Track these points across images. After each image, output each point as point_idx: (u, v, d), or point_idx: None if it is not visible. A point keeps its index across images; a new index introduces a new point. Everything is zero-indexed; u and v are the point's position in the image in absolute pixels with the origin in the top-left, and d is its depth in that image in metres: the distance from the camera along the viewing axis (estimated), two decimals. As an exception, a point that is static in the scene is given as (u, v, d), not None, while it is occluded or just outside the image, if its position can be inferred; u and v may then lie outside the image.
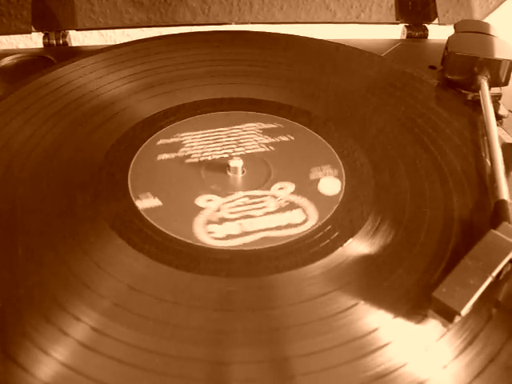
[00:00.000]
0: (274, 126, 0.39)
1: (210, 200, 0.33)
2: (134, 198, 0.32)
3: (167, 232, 0.31)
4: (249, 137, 0.37)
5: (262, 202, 0.33)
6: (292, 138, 0.38)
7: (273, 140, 0.37)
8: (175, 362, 0.25)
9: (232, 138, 0.37)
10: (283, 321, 0.26)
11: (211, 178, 0.34)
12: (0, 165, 0.34)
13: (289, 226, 0.31)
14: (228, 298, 0.27)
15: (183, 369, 0.24)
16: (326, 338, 0.26)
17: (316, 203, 0.33)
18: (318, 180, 0.34)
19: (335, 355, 0.25)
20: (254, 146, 0.37)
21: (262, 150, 0.37)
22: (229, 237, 0.31)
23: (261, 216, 0.32)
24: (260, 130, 0.38)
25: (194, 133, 0.37)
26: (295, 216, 0.32)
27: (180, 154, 0.36)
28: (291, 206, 0.33)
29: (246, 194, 0.33)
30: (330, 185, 0.34)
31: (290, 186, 0.34)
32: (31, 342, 0.25)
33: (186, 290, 0.28)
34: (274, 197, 0.33)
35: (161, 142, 0.36)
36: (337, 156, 0.36)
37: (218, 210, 0.32)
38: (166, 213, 0.32)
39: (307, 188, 0.34)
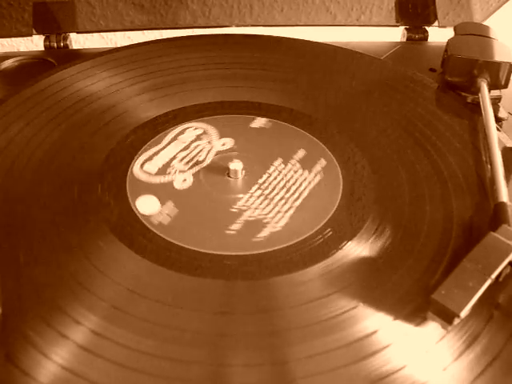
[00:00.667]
0: (266, 127, 0.39)
1: (216, 205, 0.33)
2: (135, 204, 0.32)
3: (168, 239, 0.31)
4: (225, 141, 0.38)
5: (270, 203, 0.33)
6: (290, 139, 0.38)
7: (268, 141, 0.38)
8: (175, 365, 0.25)
9: (227, 143, 0.37)
10: (283, 323, 0.26)
11: (216, 185, 0.34)
12: (0, 167, 0.34)
13: (293, 227, 0.32)
14: (228, 301, 0.28)
15: (183, 372, 0.25)
16: (325, 341, 0.26)
17: (316, 203, 0.33)
18: (316, 181, 0.35)
19: (335, 358, 0.25)
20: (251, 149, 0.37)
21: (258, 150, 0.37)
22: (235, 240, 0.31)
23: (271, 218, 0.32)
24: (254, 130, 0.38)
25: (192, 136, 0.37)
26: (299, 216, 0.32)
27: (177, 161, 0.36)
28: (289, 209, 0.33)
29: (254, 196, 0.34)
30: (329, 186, 0.34)
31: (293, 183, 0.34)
32: (32, 345, 0.25)
33: (185, 293, 0.28)
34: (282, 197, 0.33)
35: (155, 150, 0.36)
36: (335, 159, 0.36)
37: (224, 213, 0.32)
38: (175, 221, 0.32)
39: (306, 189, 0.34)
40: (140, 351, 0.25)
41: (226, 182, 0.34)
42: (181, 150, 0.37)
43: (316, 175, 0.34)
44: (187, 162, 0.36)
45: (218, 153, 0.37)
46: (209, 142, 0.37)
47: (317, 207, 0.33)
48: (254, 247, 0.30)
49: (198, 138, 0.38)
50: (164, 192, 0.34)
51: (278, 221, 0.32)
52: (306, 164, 0.35)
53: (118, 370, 0.24)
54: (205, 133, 0.38)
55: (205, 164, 0.36)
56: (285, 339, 0.26)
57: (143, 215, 0.32)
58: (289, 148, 0.37)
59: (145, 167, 0.35)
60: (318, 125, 0.39)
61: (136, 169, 0.35)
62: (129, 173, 0.35)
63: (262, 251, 0.30)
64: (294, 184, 0.34)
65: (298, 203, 0.33)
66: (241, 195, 0.34)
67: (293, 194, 0.33)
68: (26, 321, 0.26)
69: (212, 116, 0.39)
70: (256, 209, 0.33)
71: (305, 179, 0.34)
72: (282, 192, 0.34)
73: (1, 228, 0.31)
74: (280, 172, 0.35)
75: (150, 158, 0.36)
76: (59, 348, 0.25)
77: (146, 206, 0.33)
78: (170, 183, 0.34)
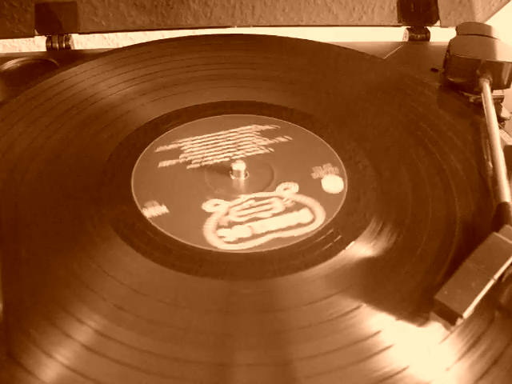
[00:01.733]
0: (270, 127, 0.39)
1: (217, 204, 0.33)
2: (138, 204, 0.32)
3: (173, 237, 0.31)
4: (247, 139, 0.38)
5: (268, 203, 0.33)
6: (290, 139, 0.38)
7: (271, 142, 0.37)
8: (179, 364, 0.25)
9: (231, 142, 0.37)
10: (286, 323, 0.26)
11: (215, 182, 0.34)
12: (4, 168, 0.34)
13: (299, 225, 0.32)
14: (231, 301, 0.28)
15: (187, 372, 0.25)
16: (328, 341, 0.26)
17: (321, 202, 0.33)
18: (320, 179, 0.35)
19: (338, 358, 0.25)
20: (253, 149, 0.37)
21: (262, 151, 0.37)
22: (240, 240, 0.31)
23: (269, 217, 0.32)
24: (257, 131, 0.38)
25: (193, 138, 0.37)
26: (303, 215, 0.32)
27: (181, 160, 0.36)
28: (298, 206, 0.33)
29: (251, 196, 0.33)
30: (333, 183, 0.34)
31: (294, 186, 0.34)
32: (35, 345, 0.25)
33: (189, 293, 0.28)
34: (280, 198, 0.33)
35: (160, 148, 0.36)
36: (339, 159, 0.36)
37: (227, 214, 0.32)
38: (173, 218, 0.32)
39: (311, 187, 0.34)
40: (143, 350, 0.25)
41: (227, 181, 0.34)
42: (200, 142, 0.37)
43: (315, 195, 0.34)
44: (201, 152, 0.36)
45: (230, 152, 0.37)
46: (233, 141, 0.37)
47: (322, 203, 0.33)
48: (266, 246, 0.30)
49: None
50: (165, 179, 0.34)
51: (287, 218, 0.32)
52: (312, 182, 0.35)
53: (121, 369, 0.24)
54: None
55: (216, 160, 0.36)
56: (288, 339, 0.26)
57: (150, 218, 0.32)
58: (305, 162, 0.36)
59: (158, 149, 0.36)
60: (320, 124, 0.39)
61: (150, 152, 0.36)
62: (133, 173, 0.35)
63: (265, 251, 0.30)
64: (292, 194, 0.34)
65: (303, 200, 0.33)
66: (235, 195, 0.33)
67: (286, 202, 0.33)
68: (29, 320, 0.26)
69: (212, 116, 0.40)
70: (265, 207, 0.33)
71: (304, 191, 0.34)
72: (277, 199, 0.33)
73: (5, 227, 0.31)
74: (282, 182, 0.35)
75: (167, 144, 0.37)
76: (62, 347, 0.25)
77: (146, 190, 0.34)
78: (175, 168, 0.35)
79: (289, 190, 0.34)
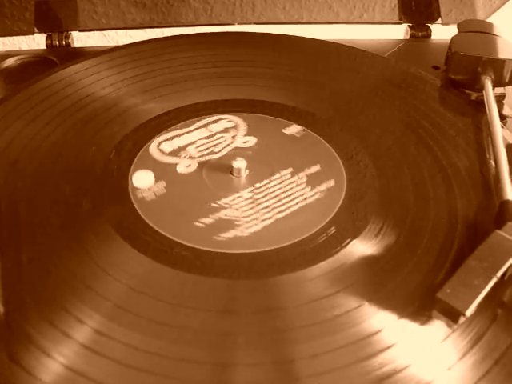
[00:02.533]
0: (298, 135, 0.39)
1: (220, 202, 0.33)
2: (137, 202, 0.32)
3: (169, 236, 0.30)
4: (246, 137, 0.37)
5: (269, 201, 0.33)
6: (289, 135, 0.38)
7: (268, 140, 0.37)
8: (179, 364, 0.25)
9: (229, 140, 0.37)
10: (287, 322, 0.26)
11: (215, 180, 0.34)
12: (3, 167, 0.34)
13: (302, 222, 0.32)
14: (231, 300, 0.27)
15: (187, 371, 0.24)
16: (330, 340, 0.26)
17: (320, 201, 0.33)
18: (321, 179, 0.35)
19: (339, 357, 0.25)
20: (250, 146, 0.37)
21: (259, 148, 0.37)
22: (243, 238, 0.31)
23: (272, 215, 0.32)
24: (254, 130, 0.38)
25: (192, 136, 0.37)
26: (305, 212, 0.32)
27: (181, 158, 0.36)
28: (299, 203, 0.33)
29: (252, 194, 0.33)
30: (331, 180, 0.34)
31: (294, 183, 0.34)
32: (34, 345, 0.25)
33: (189, 292, 0.28)
34: (282, 195, 0.33)
35: (160, 146, 0.36)
36: (339, 157, 0.36)
37: (229, 212, 0.32)
38: (174, 217, 0.32)
39: (311, 184, 0.34)
40: (143, 350, 0.25)
41: (226, 178, 0.34)
42: (202, 138, 0.37)
43: (316, 193, 0.34)
44: (201, 150, 0.36)
45: (235, 149, 0.37)
46: (233, 137, 0.37)
47: (322, 202, 0.33)
48: (258, 245, 0.30)
49: (226, 130, 0.38)
50: (164, 172, 0.34)
51: (248, 227, 0.31)
52: (314, 181, 0.35)
53: (121, 369, 0.24)
54: (235, 127, 0.38)
55: (216, 156, 0.36)
56: (289, 338, 0.26)
57: (134, 187, 0.32)
58: (306, 160, 0.36)
59: (162, 145, 0.36)
60: (321, 122, 0.39)
61: (153, 145, 0.36)
62: (132, 171, 0.35)
63: (266, 250, 0.30)
64: (288, 196, 0.33)
65: (281, 215, 0.32)
66: (230, 193, 0.33)
67: (282, 205, 0.33)
68: (29, 320, 0.26)
69: (212, 115, 0.39)
70: (236, 210, 0.32)
71: (303, 194, 0.34)
72: (272, 201, 0.33)
73: (4, 227, 0.31)
74: (282, 181, 0.34)
75: (170, 139, 0.37)
76: (62, 347, 0.25)
77: (141, 179, 0.34)
78: (174, 166, 0.35)
79: (290, 187, 0.34)
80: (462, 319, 0.25)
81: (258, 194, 0.33)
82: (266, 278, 0.28)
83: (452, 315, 0.25)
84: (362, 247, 0.30)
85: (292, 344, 0.25)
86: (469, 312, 0.25)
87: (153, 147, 0.36)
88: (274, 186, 0.34)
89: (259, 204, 0.33)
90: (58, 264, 0.29)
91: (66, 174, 0.34)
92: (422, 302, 0.27)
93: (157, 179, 0.34)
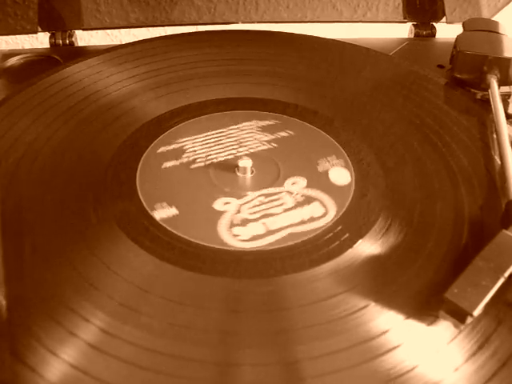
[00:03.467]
0: (271, 122, 0.38)
1: (228, 203, 0.32)
2: (144, 202, 0.32)
3: (180, 234, 0.30)
4: (248, 136, 0.37)
5: (278, 199, 0.33)
6: (292, 133, 0.38)
7: (273, 137, 0.37)
8: (184, 363, 0.25)
9: (233, 139, 0.37)
10: (293, 322, 0.26)
11: (222, 180, 0.34)
12: (8, 165, 0.34)
13: (312, 219, 0.31)
14: (237, 300, 0.27)
15: (192, 370, 0.24)
16: (336, 340, 0.25)
17: (331, 194, 0.33)
18: (327, 171, 0.34)
19: (346, 357, 0.25)
20: (256, 145, 0.37)
21: (265, 147, 0.36)
22: (255, 237, 0.30)
23: (281, 213, 0.32)
24: (259, 127, 0.38)
25: (195, 136, 0.37)
26: (315, 209, 0.32)
27: (184, 159, 0.35)
28: (309, 200, 0.33)
29: (260, 192, 0.33)
30: (340, 175, 0.34)
31: (302, 180, 0.34)
32: (39, 343, 0.25)
33: (194, 292, 0.27)
34: (290, 192, 0.33)
35: (163, 148, 0.36)
36: (343, 151, 0.36)
37: (238, 212, 0.32)
38: (184, 218, 0.31)
39: (319, 180, 0.34)
40: (148, 349, 0.25)
41: (233, 177, 0.34)
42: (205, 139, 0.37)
43: (320, 193, 0.34)
44: (205, 151, 0.36)
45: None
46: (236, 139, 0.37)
47: (332, 195, 0.33)
48: (281, 242, 0.30)
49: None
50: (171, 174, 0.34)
51: (299, 213, 0.32)
52: (321, 175, 0.35)
53: (126, 367, 0.24)
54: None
55: (221, 157, 0.36)
56: (294, 338, 0.26)
57: (161, 220, 0.32)
58: (311, 155, 0.36)
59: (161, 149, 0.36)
60: (325, 121, 0.39)
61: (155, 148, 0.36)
62: (138, 170, 0.34)
63: (270, 248, 0.30)
64: (299, 191, 0.33)
65: (313, 193, 0.33)
66: (241, 191, 0.33)
67: (295, 200, 0.33)
68: (33, 318, 0.26)
69: (215, 113, 0.39)
70: (275, 203, 0.32)
71: (312, 187, 0.34)
72: (285, 196, 0.33)
73: (8, 225, 0.30)
74: (291, 177, 0.34)
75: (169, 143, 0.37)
76: (66, 345, 0.25)
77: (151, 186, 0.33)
78: (180, 166, 0.35)
79: (297, 185, 0.34)
80: (469, 319, 0.25)
81: (265, 191, 0.33)
82: (270, 277, 0.28)
83: (459, 315, 0.25)
84: (368, 247, 0.30)
85: (297, 344, 0.25)
86: (476, 312, 0.25)
87: (153, 150, 0.36)
88: (284, 182, 0.34)
89: (266, 202, 0.32)
90: (62, 262, 0.29)
91: (70, 172, 0.34)
92: (428, 303, 0.27)
93: (166, 184, 0.34)
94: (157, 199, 0.32)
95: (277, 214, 0.32)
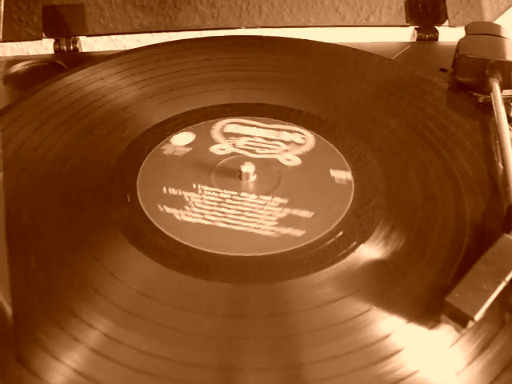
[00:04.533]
0: (276, 128, 0.39)
1: (228, 207, 0.33)
2: (146, 208, 0.32)
3: (181, 241, 0.31)
4: (253, 141, 0.37)
5: (275, 206, 0.33)
6: (299, 142, 0.38)
7: (275, 142, 0.37)
8: (188, 368, 0.25)
9: (236, 144, 0.37)
10: (295, 327, 0.26)
11: (224, 184, 0.34)
12: (12, 171, 0.34)
13: (310, 226, 0.32)
14: (240, 304, 0.27)
15: (196, 376, 0.24)
16: (338, 344, 0.26)
17: (333, 196, 0.33)
18: (328, 182, 0.35)
19: (348, 361, 0.25)
20: (258, 150, 0.37)
21: (268, 152, 0.37)
22: (260, 242, 0.31)
23: (282, 217, 0.32)
24: (263, 133, 0.38)
25: (198, 141, 0.37)
26: (315, 213, 0.32)
27: (188, 163, 0.36)
28: (308, 206, 0.33)
29: (262, 196, 0.33)
30: (342, 178, 0.35)
31: (303, 186, 0.34)
32: (43, 349, 0.25)
33: (197, 297, 0.28)
34: (284, 202, 0.33)
35: (166, 151, 0.36)
36: (346, 160, 0.36)
37: (238, 216, 0.32)
38: (183, 222, 0.32)
39: (319, 187, 0.34)
40: (151, 354, 0.25)
41: (236, 182, 0.34)
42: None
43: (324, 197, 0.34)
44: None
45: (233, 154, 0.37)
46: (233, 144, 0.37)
47: (329, 207, 0.33)
48: (265, 249, 0.30)
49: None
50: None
51: (257, 230, 0.31)
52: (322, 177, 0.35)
53: (130, 373, 0.24)
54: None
55: (220, 163, 0.36)
56: (297, 342, 0.26)
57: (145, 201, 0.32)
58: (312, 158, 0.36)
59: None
60: (328, 125, 0.39)
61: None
62: (140, 176, 0.35)
63: (274, 253, 0.30)
64: (301, 194, 0.34)
65: (296, 214, 0.32)
66: (244, 196, 0.33)
67: (296, 203, 0.33)
68: (38, 324, 0.26)
69: (219, 118, 0.39)
70: (244, 213, 0.32)
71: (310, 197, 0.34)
72: (286, 201, 0.33)
73: (13, 231, 0.31)
74: (292, 181, 0.35)
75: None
76: (71, 351, 0.25)
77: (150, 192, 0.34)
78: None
79: (300, 185, 0.34)
80: (470, 324, 0.25)
81: (266, 196, 0.33)
82: (273, 282, 0.28)
83: (461, 320, 0.25)
84: (369, 251, 0.30)
85: (301, 348, 0.25)
86: (478, 316, 0.25)
87: (156, 154, 0.36)
88: (285, 185, 0.34)
89: (268, 207, 0.33)
90: (66, 268, 0.29)
91: (74, 178, 0.34)
92: (430, 306, 0.27)
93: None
94: (160, 205, 0.33)
95: (277, 219, 0.32)
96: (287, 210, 0.32)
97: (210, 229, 0.31)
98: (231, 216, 0.32)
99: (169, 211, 0.32)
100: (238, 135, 0.38)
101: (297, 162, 0.36)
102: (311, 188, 0.34)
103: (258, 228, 0.31)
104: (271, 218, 0.32)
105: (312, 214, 0.32)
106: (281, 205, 0.33)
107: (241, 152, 0.36)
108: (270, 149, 0.37)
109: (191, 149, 0.37)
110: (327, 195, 0.34)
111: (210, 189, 0.34)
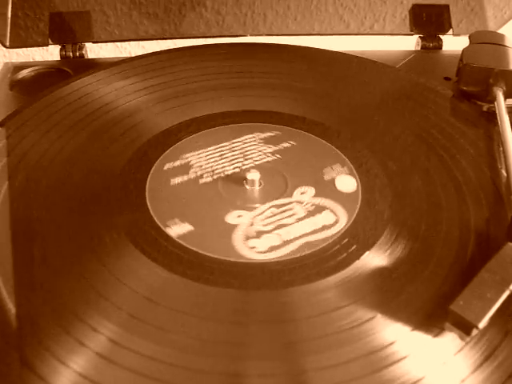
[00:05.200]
0: (274, 134, 0.39)
1: (240, 216, 0.33)
2: (154, 214, 0.33)
3: (186, 245, 0.31)
4: (252, 148, 0.38)
5: (289, 209, 0.33)
6: (296, 144, 0.38)
7: (276, 148, 0.38)
8: (192, 374, 0.25)
9: (237, 152, 0.37)
10: (299, 334, 0.26)
11: (231, 193, 0.34)
12: (18, 177, 0.34)
13: (324, 227, 0.32)
14: (243, 311, 0.28)
15: (200, 381, 0.25)
16: (342, 352, 0.26)
17: (340, 202, 0.33)
18: (333, 180, 0.35)
19: (352, 369, 0.25)
20: (260, 156, 0.37)
21: (270, 158, 0.37)
22: (272, 248, 0.31)
23: (294, 223, 0.32)
24: (261, 139, 0.38)
25: (199, 151, 0.37)
26: (326, 217, 0.32)
27: (192, 175, 0.36)
28: (319, 209, 0.33)
29: (271, 204, 0.33)
30: (346, 183, 0.35)
31: (311, 190, 0.34)
32: (49, 353, 0.25)
33: (201, 302, 0.28)
34: (300, 202, 0.33)
35: (169, 165, 0.36)
36: (351, 167, 0.36)
37: (252, 225, 0.32)
38: (199, 233, 0.32)
39: (326, 189, 0.34)
40: (156, 359, 0.25)
41: (242, 190, 0.35)
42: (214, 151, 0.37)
43: (332, 196, 0.34)
44: (213, 162, 0.37)
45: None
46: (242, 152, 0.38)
47: (342, 203, 0.33)
48: (270, 256, 0.30)
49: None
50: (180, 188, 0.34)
51: (311, 222, 0.32)
52: (327, 185, 0.35)
53: (135, 377, 0.24)
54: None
55: (228, 170, 0.36)
56: (301, 350, 0.26)
57: (176, 236, 0.32)
58: (316, 166, 0.36)
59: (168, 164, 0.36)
60: (332, 133, 0.39)
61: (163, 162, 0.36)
62: (147, 182, 0.35)
63: (278, 260, 0.30)
64: (307, 202, 0.34)
65: (323, 202, 0.33)
66: (251, 204, 0.34)
67: (303, 211, 0.33)
68: (43, 328, 0.26)
69: (222, 126, 0.40)
70: (287, 213, 0.33)
71: (320, 197, 0.34)
72: (294, 209, 0.33)
73: (19, 236, 0.31)
74: (299, 188, 0.35)
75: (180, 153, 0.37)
76: (76, 355, 0.25)
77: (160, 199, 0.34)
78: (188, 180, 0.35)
79: (306, 194, 0.34)
80: (474, 331, 0.25)
81: (275, 204, 0.34)
82: (278, 289, 0.28)
83: (465, 327, 0.25)
84: (374, 259, 0.30)
85: (304, 355, 0.26)
86: (482, 324, 0.25)
87: (160, 165, 0.36)
88: (292, 193, 0.34)
89: (277, 213, 0.33)
90: (72, 272, 0.29)
91: (80, 184, 0.34)
92: (434, 314, 0.27)
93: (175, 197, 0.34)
94: (166, 211, 0.33)
95: (290, 224, 0.32)
96: (305, 210, 0.33)
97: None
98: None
99: (178, 220, 0.32)
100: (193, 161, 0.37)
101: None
102: (317, 189, 0.34)
103: (267, 235, 0.32)
104: (287, 221, 0.32)
105: (328, 209, 0.33)
106: (297, 206, 0.33)
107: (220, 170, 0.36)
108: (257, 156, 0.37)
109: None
110: (334, 194, 0.34)
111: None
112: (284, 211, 0.33)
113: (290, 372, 0.25)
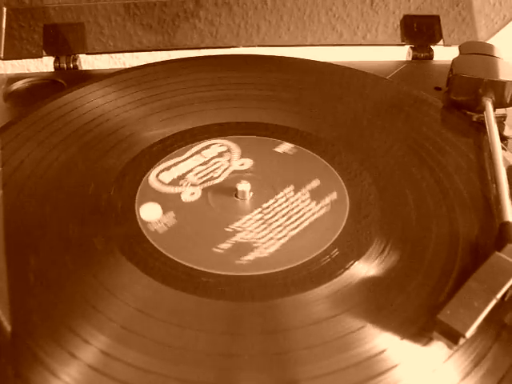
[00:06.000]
0: (290, 153, 0.39)
1: (231, 228, 0.33)
2: (143, 226, 0.33)
3: (177, 259, 0.31)
4: (245, 159, 0.38)
5: (278, 220, 0.34)
6: (289, 155, 0.38)
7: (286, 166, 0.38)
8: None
9: (229, 163, 0.38)
10: (290, 344, 0.27)
11: (221, 205, 0.35)
12: (11, 189, 0.34)
13: (314, 238, 0.32)
14: (235, 322, 0.28)
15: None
16: (334, 361, 0.26)
17: (328, 214, 0.34)
18: (321, 190, 0.35)
19: (343, 377, 0.25)
20: (251, 167, 0.38)
21: (261, 169, 0.37)
22: (262, 260, 0.31)
23: (284, 236, 0.32)
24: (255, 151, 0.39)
25: (189, 163, 0.38)
26: (316, 229, 0.33)
27: (183, 187, 0.36)
28: (308, 221, 0.33)
29: (261, 215, 0.34)
30: (335, 196, 0.35)
31: (300, 200, 0.35)
32: (42, 365, 0.25)
33: (194, 314, 0.28)
34: (289, 213, 0.34)
35: (160, 176, 0.36)
36: (341, 179, 0.36)
37: (243, 237, 0.32)
38: (185, 243, 0.32)
39: (313, 202, 0.35)
40: (149, 371, 0.25)
41: (232, 202, 0.35)
42: (199, 165, 0.37)
43: (322, 208, 0.34)
44: (201, 177, 0.36)
45: (233, 172, 0.37)
46: (228, 161, 0.38)
47: (324, 223, 0.33)
48: (261, 268, 0.30)
49: (220, 155, 0.38)
50: (169, 202, 0.34)
51: (267, 247, 0.32)
52: (316, 195, 0.35)
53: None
54: (228, 151, 0.39)
55: (217, 181, 0.36)
56: (292, 360, 0.26)
57: (143, 221, 0.33)
58: (305, 176, 0.37)
59: (160, 176, 0.36)
60: (323, 144, 0.39)
61: (152, 177, 0.36)
62: (138, 195, 0.35)
63: (269, 272, 0.30)
64: (296, 213, 0.34)
65: (294, 232, 0.33)
66: (241, 216, 0.34)
67: (292, 222, 0.33)
68: (36, 340, 0.26)
69: (218, 137, 0.40)
70: (250, 231, 0.33)
71: (309, 210, 0.34)
72: (282, 219, 0.34)
73: (11, 248, 0.31)
74: (287, 199, 0.35)
75: (167, 168, 0.37)
76: (69, 367, 0.25)
77: (149, 212, 0.34)
78: (178, 195, 0.35)
79: (296, 206, 0.34)
80: (462, 340, 0.25)
81: (267, 214, 0.34)
82: (269, 300, 0.29)
83: (452, 336, 0.25)
84: (364, 269, 0.30)
85: (295, 365, 0.26)
86: (468, 334, 0.25)
87: (152, 178, 0.36)
88: (281, 204, 0.35)
89: (267, 224, 0.33)
90: (64, 285, 0.29)
91: (73, 196, 0.34)
92: (424, 323, 0.27)
93: (164, 210, 0.34)
94: (157, 223, 0.33)
95: (281, 237, 0.32)
96: (270, 235, 0.33)
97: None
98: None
99: (159, 216, 0.33)
100: (180, 177, 0.37)
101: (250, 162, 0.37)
102: (301, 216, 0.34)
103: (266, 245, 0.32)
104: (267, 237, 0.32)
105: (313, 226, 0.33)
106: (265, 227, 0.33)
107: (207, 184, 0.36)
108: (219, 168, 0.37)
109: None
110: (316, 224, 0.34)
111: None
112: (273, 222, 0.33)
113: (283, 382, 0.25)
